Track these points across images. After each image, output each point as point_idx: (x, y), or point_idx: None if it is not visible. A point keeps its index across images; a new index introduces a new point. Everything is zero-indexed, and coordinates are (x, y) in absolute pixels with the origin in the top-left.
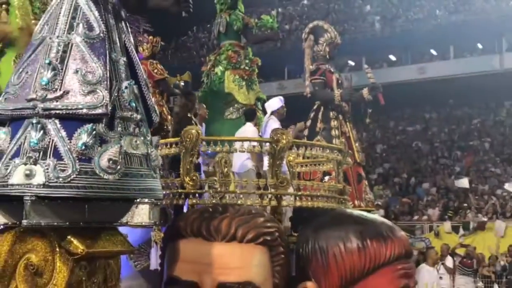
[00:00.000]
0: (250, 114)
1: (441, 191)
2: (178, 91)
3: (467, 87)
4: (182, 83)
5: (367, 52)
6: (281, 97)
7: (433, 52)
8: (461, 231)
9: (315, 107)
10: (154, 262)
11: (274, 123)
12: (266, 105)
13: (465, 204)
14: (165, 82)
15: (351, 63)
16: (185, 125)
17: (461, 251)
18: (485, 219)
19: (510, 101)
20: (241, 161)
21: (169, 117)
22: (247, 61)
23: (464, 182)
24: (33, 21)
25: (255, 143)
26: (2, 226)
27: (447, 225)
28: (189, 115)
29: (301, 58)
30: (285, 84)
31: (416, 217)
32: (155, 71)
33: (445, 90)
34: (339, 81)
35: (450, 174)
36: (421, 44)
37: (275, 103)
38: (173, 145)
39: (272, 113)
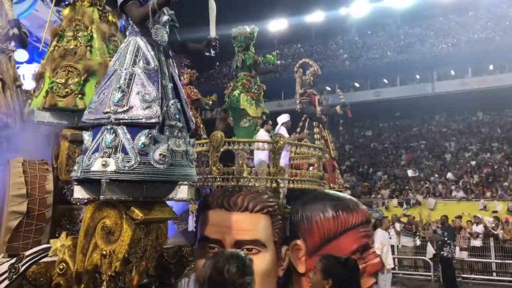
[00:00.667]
0: (262, 124)
1: (390, 178)
2: (208, 107)
3: (408, 105)
4: (211, 102)
5: (339, 80)
6: (288, 114)
7: (385, 80)
8: (404, 206)
9: (303, 118)
10: (191, 225)
11: (282, 131)
12: (278, 118)
13: (407, 187)
14: (199, 101)
15: (328, 88)
16: (227, 130)
17: (404, 220)
18: (421, 197)
19: (439, 115)
20: (258, 156)
21: (202, 125)
22: (256, 86)
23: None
24: (108, 58)
25: (261, 144)
26: (86, 200)
27: (394, 201)
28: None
29: (293, 84)
30: (282, 103)
31: (373, 196)
32: (192, 93)
33: (394, 107)
34: (320, 101)
35: (397, 166)
36: (376, 75)
37: (284, 118)
38: (204, 145)
39: (282, 124)
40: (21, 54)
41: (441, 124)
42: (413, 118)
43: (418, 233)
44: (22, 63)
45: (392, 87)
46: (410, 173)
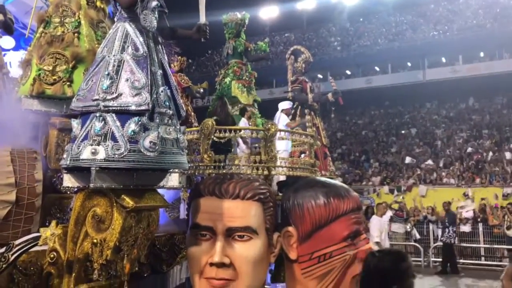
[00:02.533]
0: (242, 112)
1: (381, 165)
2: (199, 95)
3: (400, 93)
4: (202, 90)
5: (331, 68)
6: (290, 102)
7: (377, 68)
8: (395, 192)
9: (294, 106)
10: (182, 213)
11: (283, 117)
12: (279, 104)
13: (400, 174)
14: (190, 88)
15: (320, 76)
16: (228, 117)
17: (395, 206)
18: (412, 183)
19: (430, 102)
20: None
21: (193, 113)
22: (247, 74)
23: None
24: (96, 45)
25: (249, 131)
26: (76, 188)
27: (385, 188)
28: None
29: (285, 72)
30: (274, 91)
31: (364, 183)
32: (182, 81)
33: (385, 95)
34: (311, 88)
35: (388, 153)
36: (368, 62)
37: (285, 105)
38: (195, 133)
39: (282, 111)
40: (7, 41)
41: (432, 111)
42: (404, 105)
43: (408, 219)
44: (8, 50)
45: (384, 75)
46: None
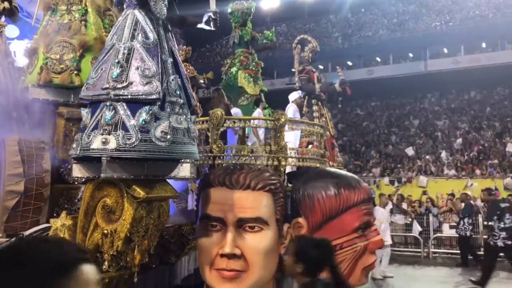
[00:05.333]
0: (257, 102)
1: (382, 156)
2: (204, 85)
3: (401, 84)
4: (206, 80)
5: (332, 58)
6: (299, 91)
7: (378, 59)
8: (396, 184)
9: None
10: (191, 204)
11: (292, 107)
12: (289, 96)
13: (399, 165)
14: (195, 78)
15: (320, 66)
16: (225, 109)
17: (395, 196)
18: (412, 175)
19: (431, 93)
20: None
21: (198, 103)
22: (254, 63)
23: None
24: (104, 33)
25: (262, 121)
26: (85, 178)
27: (385, 179)
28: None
29: (286, 63)
30: (275, 82)
31: (364, 174)
32: (188, 70)
33: (386, 86)
34: (319, 78)
35: (388, 145)
36: (369, 53)
37: (294, 95)
38: (204, 122)
39: (292, 101)
40: (12, 30)
41: (434, 102)
42: (405, 96)
43: (408, 211)
44: (13, 39)
45: (385, 66)
46: (409, 151)
